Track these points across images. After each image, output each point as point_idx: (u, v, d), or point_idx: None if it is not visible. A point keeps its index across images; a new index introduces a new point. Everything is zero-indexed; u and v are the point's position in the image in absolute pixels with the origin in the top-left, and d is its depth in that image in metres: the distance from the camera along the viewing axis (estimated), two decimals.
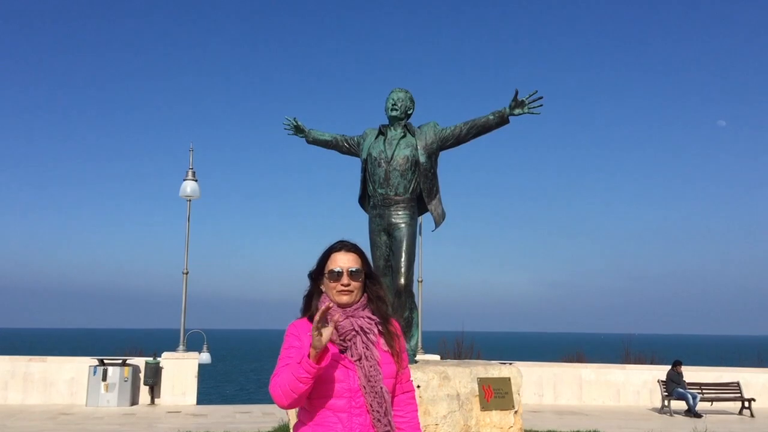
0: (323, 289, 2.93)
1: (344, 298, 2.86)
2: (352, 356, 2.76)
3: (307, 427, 2.76)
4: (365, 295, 2.94)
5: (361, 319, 2.84)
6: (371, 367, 2.75)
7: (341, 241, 2.97)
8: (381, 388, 2.74)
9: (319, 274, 2.95)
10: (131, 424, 13.63)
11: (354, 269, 2.88)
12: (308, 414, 2.78)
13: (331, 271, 2.88)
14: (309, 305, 2.94)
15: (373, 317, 2.88)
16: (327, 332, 2.59)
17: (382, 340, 2.86)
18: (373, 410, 2.72)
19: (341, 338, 2.79)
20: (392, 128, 6.44)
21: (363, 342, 2.78)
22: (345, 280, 2.86)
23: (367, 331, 2.82)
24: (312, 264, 3.01)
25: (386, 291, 3.04)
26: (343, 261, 2.89)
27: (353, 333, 2.81)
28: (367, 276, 2.94)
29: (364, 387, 2.73)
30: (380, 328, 2.88)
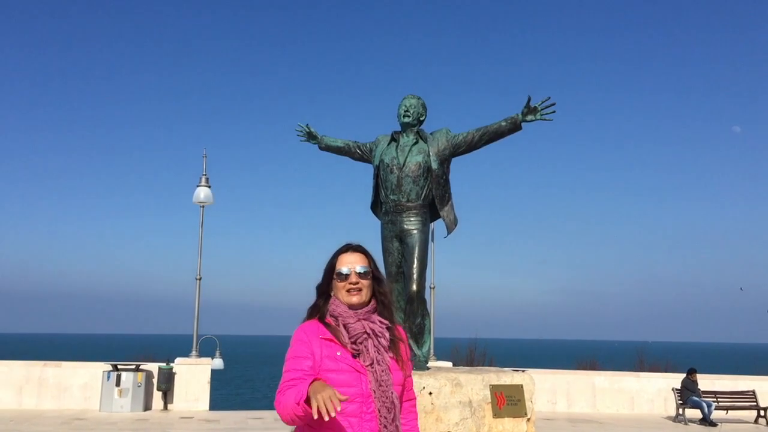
0: (333, 294, 2.93)
1: (354, 298, 2.86)
2: (364, 361, 2.75)
3: (315, 430, 2.72)
4: (374, 299, 2.94)
5: (373, 322, 2.84)
6: (383, 371, 2.74)
7: (347, 243, 2.99)
8: (392, 393, 2.73)
9: (327, 282, 2.95)
10: (144, 429, 13.67)
11: (362, 269, 2.89)
12: (318, 416, 2.77)
13: (339, 273, 2.88)
14: (315, 311, 2.93)
15: (384, 321, 2.87)
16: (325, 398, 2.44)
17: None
18: (381, 416, 2.70)
19: (352, 341, 2.78)
20: (404, 135, 6.45)
21: (375, 346, 2.78)
22: (353, 278, 2.86)
23: (379, 335, 2.81)
24: (323, 266, 3.01)
25: (392, 297, 3.04)
26: (351, 261, 2.90)
27: (365, 336, 2.80)
28: (375, 279, 2.94)
29: (375, 392, 2.71)
30: (389, 334, 2.87)
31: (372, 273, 2.93)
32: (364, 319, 2.84)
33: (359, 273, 2.88)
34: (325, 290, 2.96)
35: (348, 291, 2.86)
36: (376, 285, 2.94)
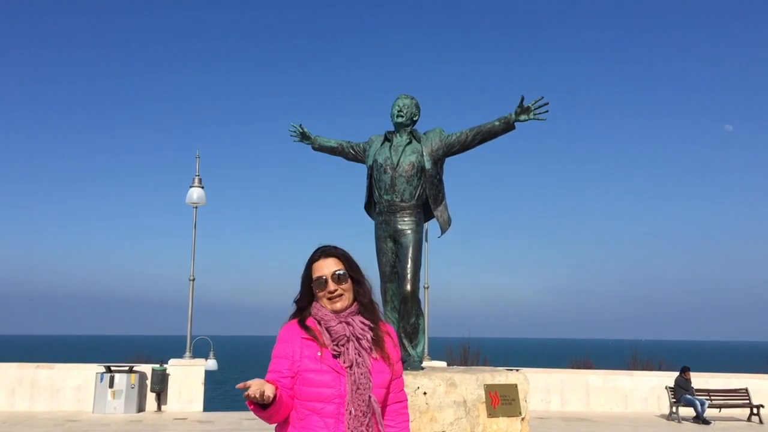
0: (316, 299, 2.89)
1: (337, 305, 2.83)
2: (344, 362, 2.73)
3: (292, 427, 2.73)
4: (357, 300, 2.90)
5: (355, 325, 2.81)
6: (362, 374, 2.71)
7: (319, 248, 2.94)
8: (369, 397, 2.70)
9: (305, 294, 2.91)
10: (138, 431, 13.64)
11: (338, 272, 2.85)
12: (296, 415, 2.75)
13: (317, 279, 2.85)
14: (298, 314, 2.91)
15: (367, 322, 2.84)
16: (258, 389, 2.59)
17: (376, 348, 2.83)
18: (353, 417, 2.67)
19: (334, 343, 2.77)
20: (398, 135, 6.45)
21: (355, 348, 2.75)
22: (331, 286, 2.83)
23: (360, 337, 2.79)
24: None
25: (372, 296, 2.99)
26: (326, 267, 2.86)
27: (346, 339, 2.78)
28: (354, 280, 2.90)
29: (351, 394, 2.68)
30: (372, 335, 2.83)
31: (349, 275, 2.89)
32: (346, 322, 2.81)
33: (336, 277, 2.84)
34: (303, 305, 2.91)
35: (329, 299, 2.84)
36: (356, 286, 2.90)
